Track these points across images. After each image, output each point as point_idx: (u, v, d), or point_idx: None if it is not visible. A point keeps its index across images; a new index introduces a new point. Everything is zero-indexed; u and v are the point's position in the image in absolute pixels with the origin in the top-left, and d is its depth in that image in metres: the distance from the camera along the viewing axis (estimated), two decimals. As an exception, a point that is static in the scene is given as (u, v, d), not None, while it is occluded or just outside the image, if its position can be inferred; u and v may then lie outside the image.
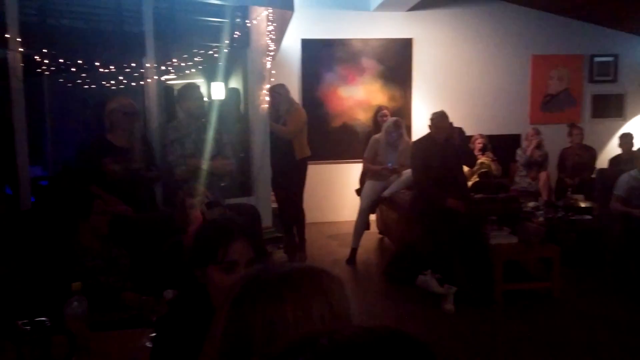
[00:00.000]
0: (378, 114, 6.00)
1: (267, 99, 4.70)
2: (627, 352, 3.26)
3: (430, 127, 4.55)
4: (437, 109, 4.63)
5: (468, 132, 6.07)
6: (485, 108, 7.24)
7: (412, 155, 4.71)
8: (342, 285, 1.03)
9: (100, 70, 4.36)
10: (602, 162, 6.72)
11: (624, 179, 4.89)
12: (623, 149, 6.30)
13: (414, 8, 6.89)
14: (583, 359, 3.17)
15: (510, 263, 4.24)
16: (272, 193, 5.05)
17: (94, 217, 2.73)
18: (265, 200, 4.55)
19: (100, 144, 3.71)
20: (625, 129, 7.19)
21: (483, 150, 6.33)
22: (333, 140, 6.96)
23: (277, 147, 4.90)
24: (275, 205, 5.14)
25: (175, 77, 5.08)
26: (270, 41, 4.79)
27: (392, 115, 6.04)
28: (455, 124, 4.91)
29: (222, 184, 3.95)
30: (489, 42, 7.23)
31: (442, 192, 4.30)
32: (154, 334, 1.86)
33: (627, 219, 4.70)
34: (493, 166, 6.24)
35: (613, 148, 6.94)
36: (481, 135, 6.42)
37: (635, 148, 5.84)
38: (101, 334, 2.08)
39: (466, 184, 4.92)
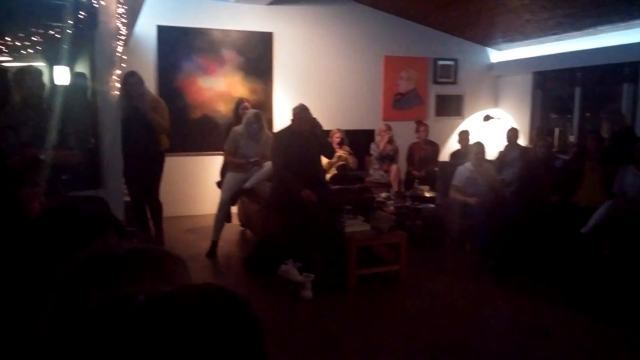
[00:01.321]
0: (239, 106, 5.95)
1: (118, 85, 4.43)
2: (461, 325, 3.64)
3: (292, 119, 4.64)
4: (298, 103, 4.73)
5: (327, 127, 6.28)
6: (343, 104, 7.57)
7: (273, 147, 4.76)
8: (185, 267, 0.99)
9: None
10: (444, 156, 7.40)
11: (461, 170, 5.45)
12: (461, 145, 6.99)
13: (275, 2, 6.97)
14: (424, 331, 3.46)
15: (363, 249, 4.49)
16: (125, 186, 4.77)
17: None
18: (116, 193, 4.26)
19: None
20: (463, 126, 8.00)
21: (341, 144, 6.60)
22: (193, 131, 6.78)
23: (139, 138, 4.68)
24: (128, 198, 4.86)
25: (10, 58, 4.54)
26: (121, 25, 4.50)
27: (254, 107, 6.04)
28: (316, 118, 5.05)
29: (64, 177, 3.63)
30: (346, 40, 7.56)
31: (299, 182, 4.40)
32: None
33: (464, 206, 5.25)
34: (350, 159, 6.53)
35: (453, 143, 7.68)
36: (339, 130, 6.68)
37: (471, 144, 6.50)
38: None
39: (324, 176, 5.09)
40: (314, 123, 4.57)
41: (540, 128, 7.37)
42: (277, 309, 3.86)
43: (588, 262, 4.77)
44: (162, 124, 5.02)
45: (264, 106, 6.95)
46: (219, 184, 5.67)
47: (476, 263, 4.94)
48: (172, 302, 0.57)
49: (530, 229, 5.15)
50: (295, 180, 4.43)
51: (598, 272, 4.58)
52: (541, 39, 7.33)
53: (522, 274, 4.66)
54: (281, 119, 6.76)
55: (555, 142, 7.43)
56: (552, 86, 7.82)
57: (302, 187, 4.35)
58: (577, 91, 7.30)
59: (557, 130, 7.64)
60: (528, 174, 5.54)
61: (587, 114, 7.28)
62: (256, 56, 7.03)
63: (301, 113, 4.54)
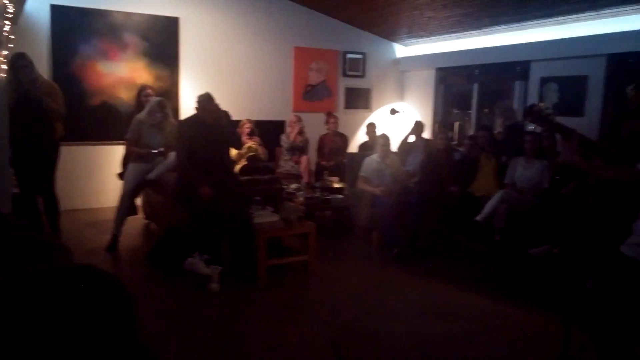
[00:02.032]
0: (142, 93, 5.67)
1: (5, 68, 4.06)
2: (369, 311, 3.74)
3: (196, 108, 4.50)
4: (204, 92, 4.59)
5: (236, 117, 6.21)
6: (253, 94, 7.47)
7: (177, 136, 4.60)
8: (69, 254, 1.00)
9: None
10: (353, 147, 7.57)
11: (367, 161, 5.59)
12: (369, 137, 7.18)
13: (181, -14, 6.72)
14: (332, 320, 3.52)
15: (272, 240, 4.47)
16: (14, 177, 4.41)
17: None
18: (2, 185, 3.92)
19: None
20: (370, 119, 8.22)
21: (251, 135, 6.51)
22: (92, 119, 6.39)
23: (30, 125, 4.34)
24: (17, 190, 4.49)
25: None
26: (8, 1, 4.12)
27: (158, 95, 5.79)
28: (224, 108, 4.94)
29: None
30: (255, 29, 7.46)
31: (200, 175, 4.30)
32: None
33: (371, 197, 5.39)
34: (260, 150, 6.47)
35: (362, 135, 7.86)
36: (249, 120, 6.59)
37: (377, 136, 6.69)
38: None
39: (232, 167, 5.00)
40: (220, 113, 4.45)
41: (441, 122, 7.75)
42: (183, 303, 3.74)
43: (482, 248, 5.12)
44: (57, 110, 4.71)
45: (170, 94, 6.70)
46: (121, 175, 5.38)
47: (382, 251, 5.10)
48: (52, 273, 0.61)
49: (432, 217, 5.41)
50: (196, 174, 4.30)
51: (491, 257, 4.92)
52: (443, 36, 7.70)
53: (424, 260, 4.88)
54: (188, 107, 6.53)
55: (455, 135, 7.86)
56: (453, 82, 8.25)
57: (202, 182, 4.24)
58: (475, 87, 7.76)
59: (457, 125, 8.09)
60: (430, 165, 5.80)
61: (486, 110, 7.76)
62: (161, 42, 6.74)
63: (205, 102, 4.41)
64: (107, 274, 0.64)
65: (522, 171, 5.19)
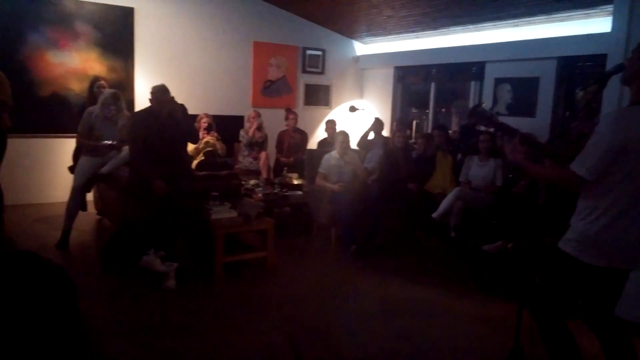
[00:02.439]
0: (94, 85, 5.49)
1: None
2: (326, 307, 3.75)
3: (150, 100, 4.38)
4: (160, 83, 4.47)
5: (193, 111, 6.08)
6: (211, 88, 7.36)
7: (130, 128, 4.47)
8: (11, 244, 0.99)
9: None
10: (313, 144, 7.57)
11: (326, 158, 5.60)
12: (328, 133, 7.18)
13: (137, -24, 6.53)
14: (290, 316, 3.51)
15: (230, 236, 4.42)
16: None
17: None
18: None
19: None
20: (330, 115, 8.23)
21: (208, 130, 6.42)
22: (41, 111, 6.13)
23: None
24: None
25: None
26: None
27: (112, 87, 5.62)
28: (181, 102, 4.83)
29: None
30: (214, 22, 7.34)
31: (153, 169, 4.19)
32: None
33: (330, 193, 5.40)
34: (218, 145, 6.38)
35: (321, 132, 7.87)
36: (206, 115, 6.49)
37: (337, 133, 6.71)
38: None
39: (188, 161, 4.90)
40: (175, 106, 4.33)
41: (399, 120, 7.85)
42: (138, 301, 3.65)
43: (439, 244, 5.22)
44: (4, 101, 4.50)
45: (124, 86, 6.50)
46: (72, 169, 5.19)
47: (341, 248, 5.12)
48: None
49: (390, 214, 5.48)
50: (148, 167, 4.20)
51: (447, 253, 5.02)
52: (401, 35, 7.79)
53: (382, 257, 4.94)
54: (143, 100, 6.35)
55: (413, 134, 7.98)
56: (411, 81, 8.37)
57: (156, 176, 4.14)
58: (433, 87, 7.90)
59: (414, 123, 8.22)
60: (388, 163, 5.86)
61: (443, 109, 7.92)
62: (115, 32, 6.53)
63: (159, 94, 4.28)
64: (49, 260, 0.65)
65: (477, 169, 5.32)
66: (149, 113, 4.36)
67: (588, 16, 5.58)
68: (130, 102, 6.47)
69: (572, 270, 2.14)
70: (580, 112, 3.94)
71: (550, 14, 5.79)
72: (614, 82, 2.35)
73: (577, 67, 5.92)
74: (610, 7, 3.99)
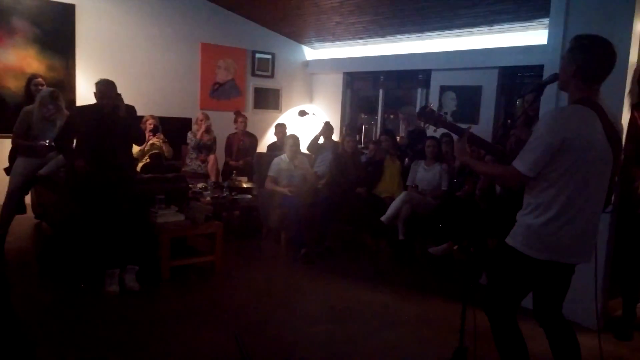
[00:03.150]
0: (31, 83, 5.23)
1: None
2: (273, 311, 3.73)
3: (95, 94, 4.18)
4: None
5: (139, 112, 5.89)
6: (157, 89, 7.19)
7: (67, 121, 4.28)
8: None
9: None
10: (262, 147, 7.52)
11: (276, 162, 5.59)
12: (277, 137, 7.17)
13: (79, -28, 6.29)
14: (236, 321, 3.46)
15: (177, 240, 4.32)
16: None
17: None
18: None
19: None
20: (280, 119, 8.23)
21: (154, 132, 6.26)
22: (-27, 110, 5.79)
23: None
24: None
25: None
26: None
27: (51, 86, 5.37)
28: (126, 103, 4.65)
29: None
30: (159, 22, 7.18)
31: (73, 151, 4.06)
32: None
33: (280, 197, 5.38)
34: (164, 148, 6.24)
35: (271, 136, 7.84)
36: (152, 116, 6.33)
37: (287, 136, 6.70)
38: None
39: (132, 162, 4.70)
40: (119, 103, 4.12)
41: (349, 125, 7.94)
42: (78, 307, 3.49)
43: (387, 247, 5.30)
44: None
45: (65, 85, 6.25)
46: (7, 170, 4.93)
47: (290, 251, 5.11)
48: None
49: (339, 218, 5.52)
50: (70, 149, 4.06)
51: (394, 256, 5.11)
52: (350, 41, 7.89)
53: (331, 260, 4.96)
54: (85, 101, 6.11)
55: (362, 139, 8.09)
56: (360, 87, 8.49)
57: (77, 156, 3.97)
58: (381, 93, 8.04)
59: (364, 128, 8.34)
60: (338, 167, 5.90)
61: (391, 115, 8.07)
62: (55, 29, 6.26)
63: (103, 86, 4.08)
64: None
65: (423, 174, 5.45)
66: (90, 107, 4.16)
67: (527, 28, 5.85)
68: (72, 102, 6.22)
69: (519, 265, 2.22)
70: (519, 119, 4.11)
71: (491, 26, 6.03)
72: (551, 90, 2.47)
73: (517, 76, 6.19)
74: (546, 20, 4.20)
